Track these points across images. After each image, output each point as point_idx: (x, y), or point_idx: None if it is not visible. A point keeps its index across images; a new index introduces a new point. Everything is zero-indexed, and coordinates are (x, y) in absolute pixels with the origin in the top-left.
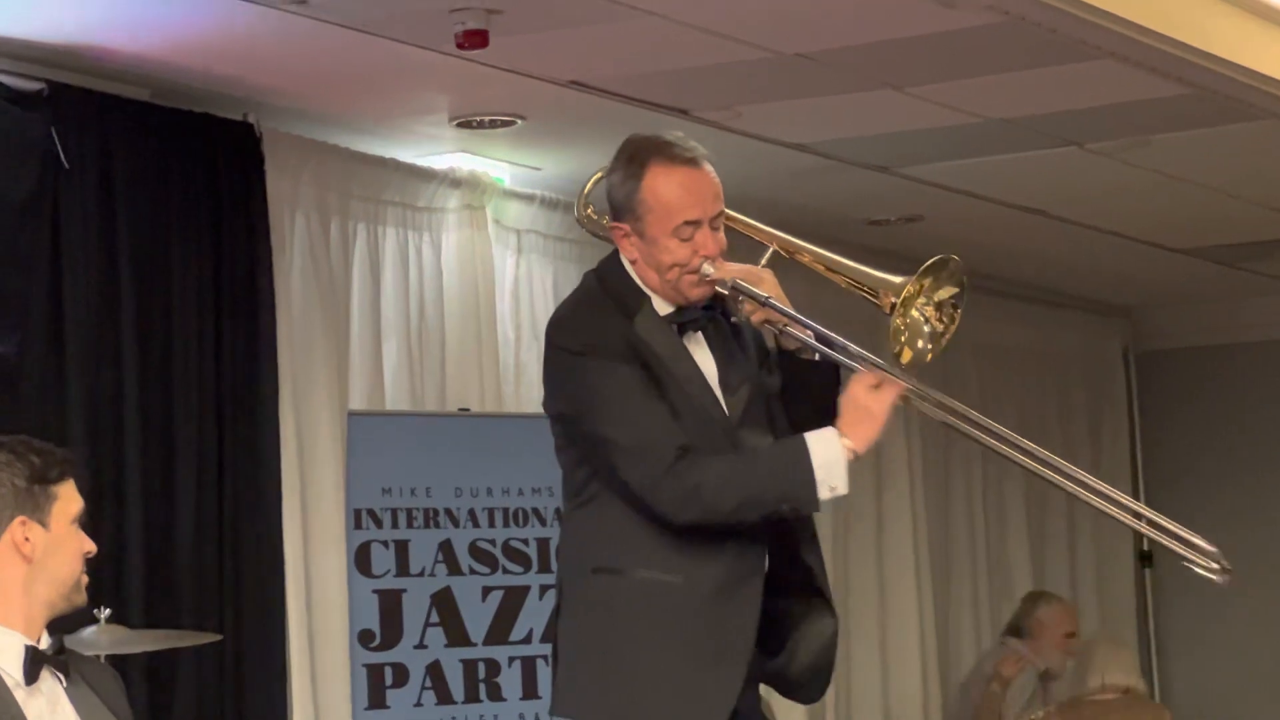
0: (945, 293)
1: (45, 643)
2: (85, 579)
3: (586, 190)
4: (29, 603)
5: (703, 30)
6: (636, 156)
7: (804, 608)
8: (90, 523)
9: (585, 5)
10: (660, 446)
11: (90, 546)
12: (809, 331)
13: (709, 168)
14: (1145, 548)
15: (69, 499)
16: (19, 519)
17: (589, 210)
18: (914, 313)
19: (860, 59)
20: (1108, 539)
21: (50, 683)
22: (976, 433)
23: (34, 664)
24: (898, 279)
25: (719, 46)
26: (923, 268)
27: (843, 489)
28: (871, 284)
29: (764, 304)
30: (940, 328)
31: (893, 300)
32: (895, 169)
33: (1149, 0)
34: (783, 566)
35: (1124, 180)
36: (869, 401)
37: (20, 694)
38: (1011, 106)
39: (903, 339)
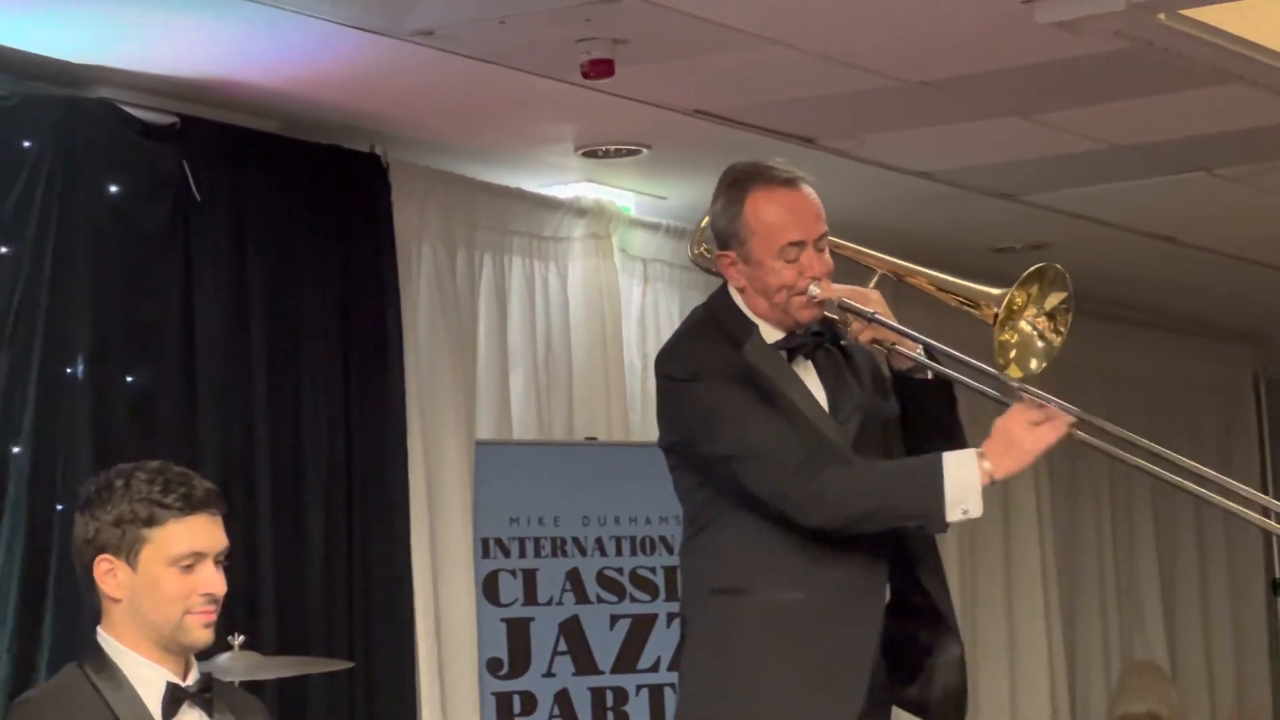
0: (1054, 300)
1: (193, 677)
2: (196, 618)
3: (700, 229)
4: (153, 637)
5: (828, 59)
6: (737, 183)
7: (931, 632)
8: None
9: (710, 34)
10: (782, 451)
11: (206, 588)
12: (918, 347)
13: (809, 189)
14: (1278, 575)
15: (169, 541)
16: (101, 557)
17: (702, 249)
18: (1024, 325)
19: (986, 86)
20: (1240, 564)
21: (195, 715)
22: (1139, 460)
23: (173, 701)
24: (1000, 290)
25: (844, 75)
26: (1023, 276)
27: (975, 512)
28: (975, 298)
29: (871, 320)
30: (1054, 340)
31: (995, 312)
32: (1021, 196)
33: (1278, 24)
34: (906, 590)
35: (1254, 205)
36: (1023, 435)
37: None
38: (1139, 132)
39: (1011, 354)
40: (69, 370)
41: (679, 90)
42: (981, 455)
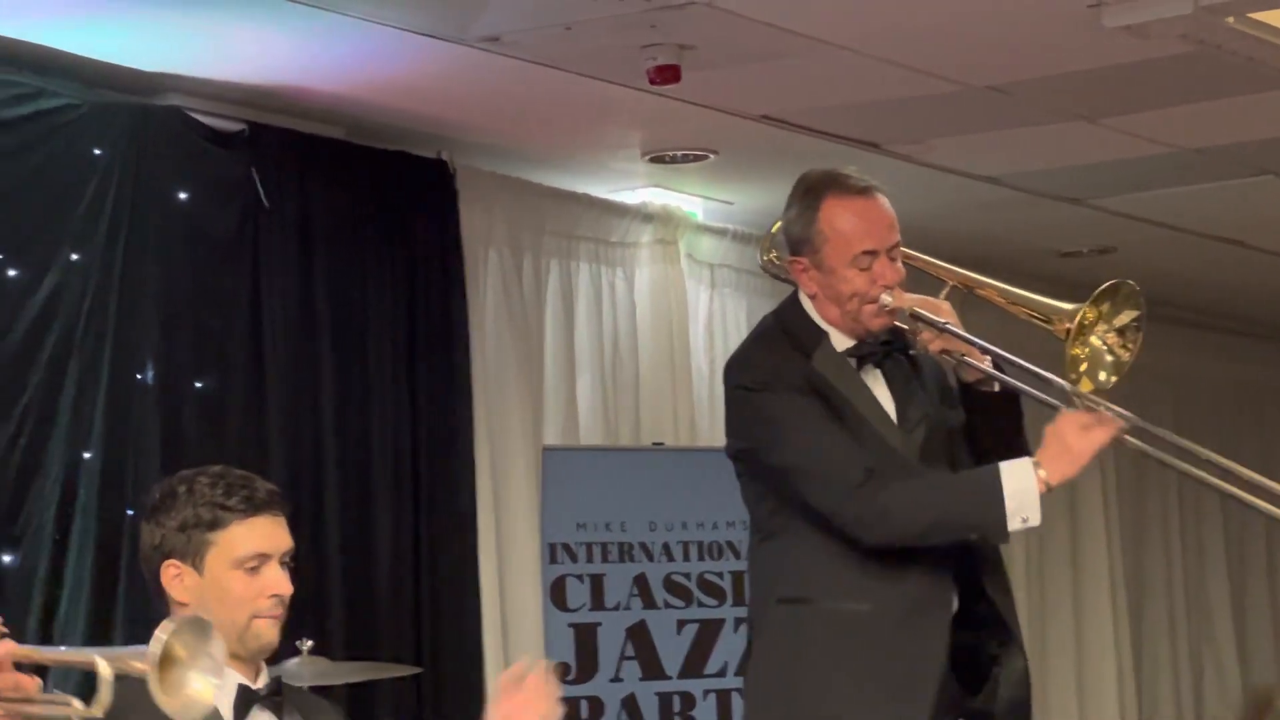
0: (1125, 317)
1: (263, 680)
2: (264, 621)
3: (770, 235)
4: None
5: (894, 64)
6: (812, 190)
7: (997, 643)
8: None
9: (776, 39)
10: (845, 468)
11: (272, 589)
12: (987, 359)
13: (884, 198)
14: None
15: (233, 543)
16: (167, 562)
17: (772, 255)
18: (1094, 340)
19: (1052, 90)
20: None
21: (266, 718)
22: (1182, 466)
23: (244, 703)
24: (1073, 306)
25: (910, 80)
26: (1096, 293)
27: (1035, 520)
28: (1047, 313)
29: (942, 330)
30: (1124, 355)
31: (1068, 327)
32: (1088, 200)
33: None
34: (972, 601)
35: None
36: (1075, 440)
37: None
38: (1206, 136)
39: (1081, 368)
40: (138, 376)
41: (745, 95)
42: (1037, 464)
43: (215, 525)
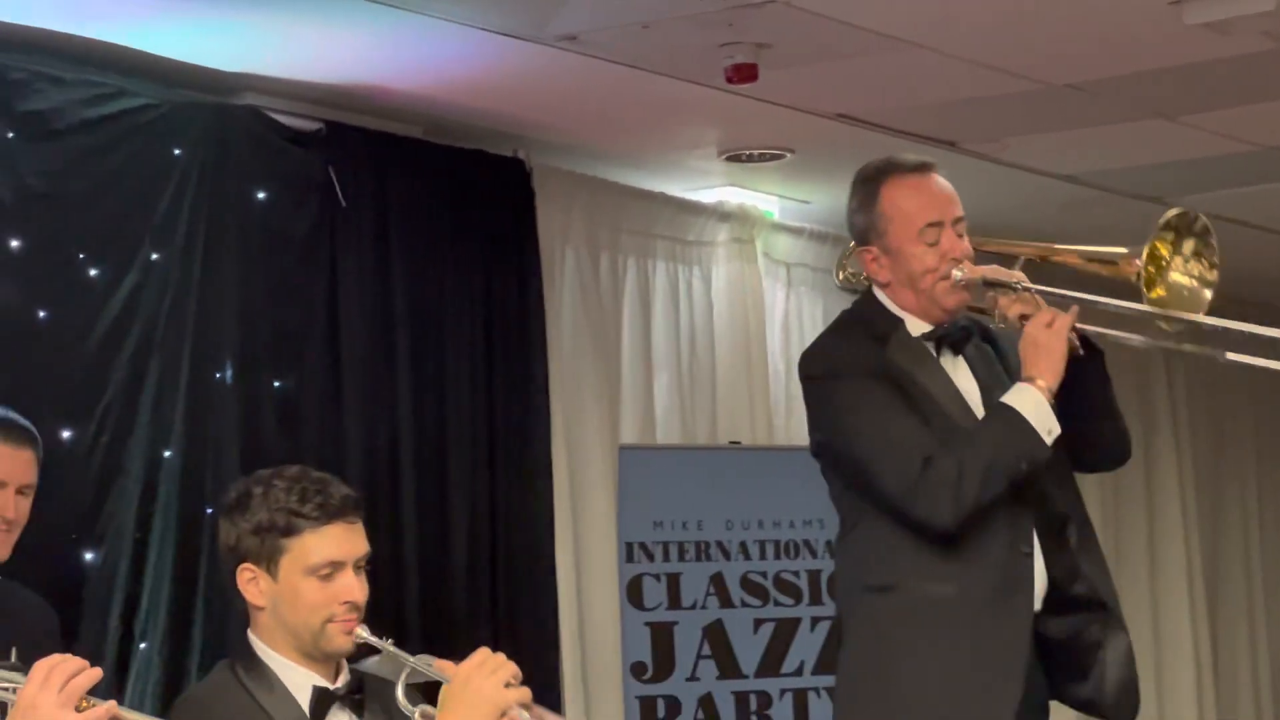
0: (1189, 244)
1: (343, 679)
2: (338, 626)
3: (846, 254)
4: (295, 643)
5: (971, 62)
6: (870, 178)
7: (1098, 626)
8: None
9: (853, 38)
10: (912, 456)
11: (346, 596)
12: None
13: (940, 175)
14: None
15: (306, 551)
16: (243, 566)
17: (849, 272)
18: (1174, 277)
19: (1131, 88)
20: None
21: (345, 718)
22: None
23: (320, 703)
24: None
25: (988, 78)
26: (1159, 225)
27: (1056, 429)
28: (1115, 258)
29: (1018, 291)
30: (1210, 274)
31: (1136, 268)
32: (1167, 199)
33: None
34: (1068, 582)
35: None
36: (1044, 337)
37: None
38: None
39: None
40: (217, 375)
41: (822, 94)
42: (1030, 379)
43: (289, 532)
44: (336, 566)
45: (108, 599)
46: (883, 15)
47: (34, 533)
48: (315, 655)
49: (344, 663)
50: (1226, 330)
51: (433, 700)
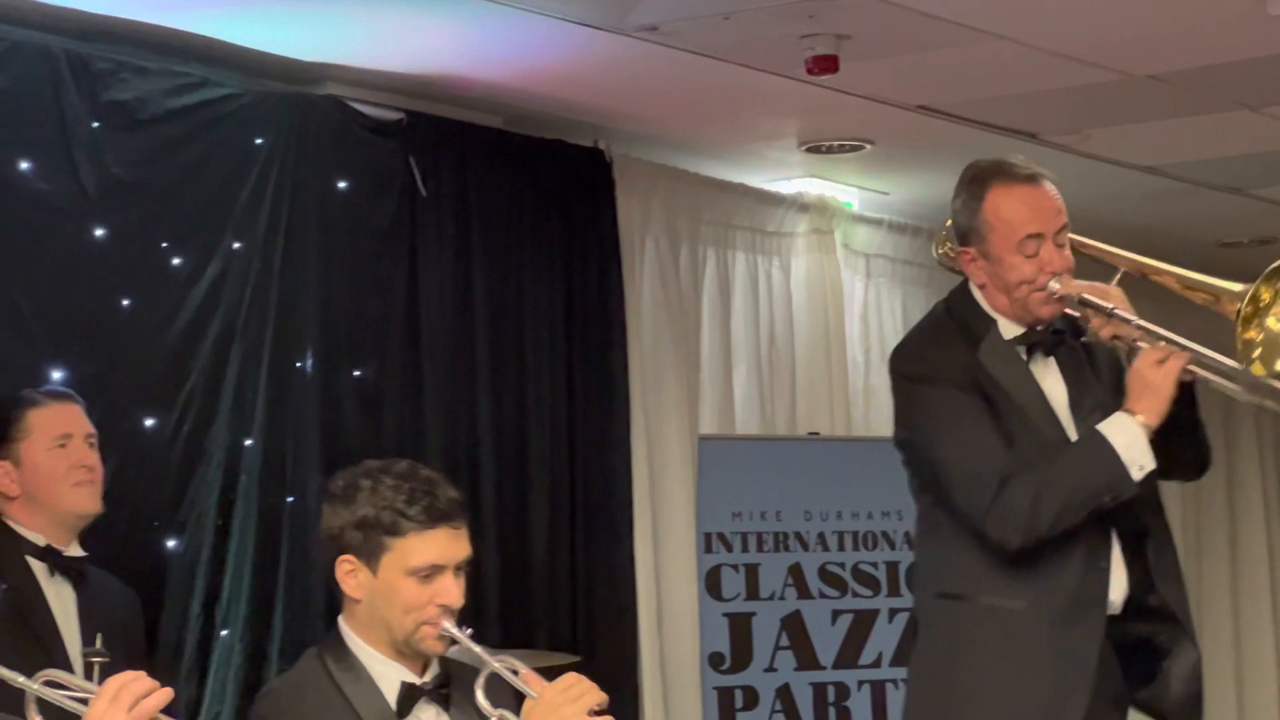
0: None
1: (431, 673)
2: (431, 629)
3: (946, 228)
4: (387, 639)
5: (1052, 53)
6: (977, 179)
7: (1168, 636)
8: None
9: (934, 30)
10: (987, 475)
11: (443, 599)
12: (1159, 344)
13: (1050, 185)
14: None
15: (408, 552)
16: (343, 557)
17: (947, 247)
18: (1271, 322)
19: (1214, 79)
20: None
21: (432, 712)
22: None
23: (407, 698)
24: (1243, 287)
25: (1069, 69)
26: (1268, 271)
27: (1149, 464)
28: (1220, 294)
29: (1111, 315)
30: None
31: (1237, 307)
32: (1249, 190)
33: None
34: (1144, 593)
35: None
36: (1153, 375)
37: None
38: None
39: (1256, 353)
40: (298, 364)
41: (902, 86)
42: (1131, 412)
43: (393, 531)
44: (437, 569)
45: (189, 586)
46: (963, 6)
47: (117, 519)
48: (406, 652)
49: (433, 663)
50: None
51: (519, 699)
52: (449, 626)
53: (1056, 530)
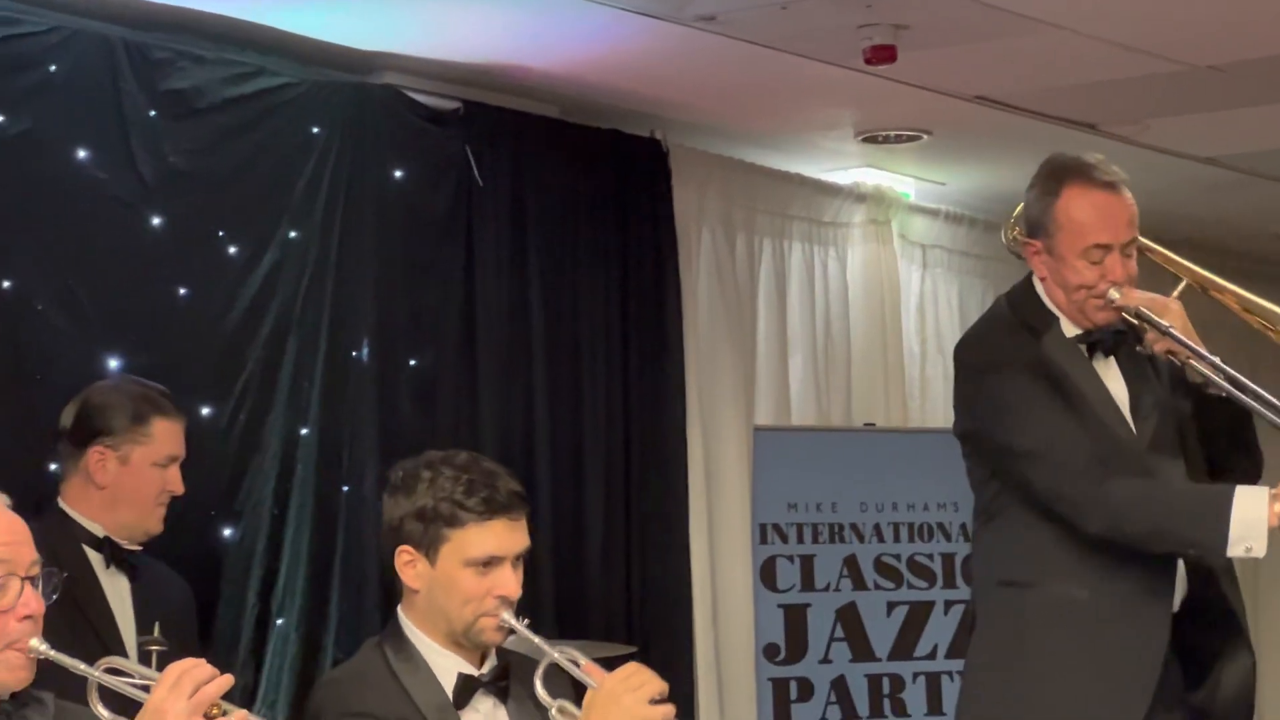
0: None
1: (488, 665)
2: (489, 620)
3: (1016, 215)
4: (445, 630)
5: (1112, 43)
6: (1055, 174)
7: (1223, 641)
8: None
9: (993, 19)
10: (1070, 451)
11: (501, 590)
12: (1208, 367)
13: (1127, 194)
14: None
15: (467, 544)
16: (402, 548)
17: (1016, 232)
18: None
19: (1274, 70)
20: None
21: (489, 704)
22: None
23: (464, 690)
24: None
25: (1128, 60)
26: None
27: (1259, 551)
28: (1275, 322)
29: (1164, 333)
30: None
31: None
32: None
33: None
34: (1203, 592)
35: None
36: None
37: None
38: None
39: None
40: (354, 354)
41: (960, 76)
42: (1276, 495)
43: (453, 523)
44: (495, 561)
45: (245, 575)
46: None
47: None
48: (464, 644)
49: (491, 654)
50: None
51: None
52: (507, 617)
53: (1135, 545)
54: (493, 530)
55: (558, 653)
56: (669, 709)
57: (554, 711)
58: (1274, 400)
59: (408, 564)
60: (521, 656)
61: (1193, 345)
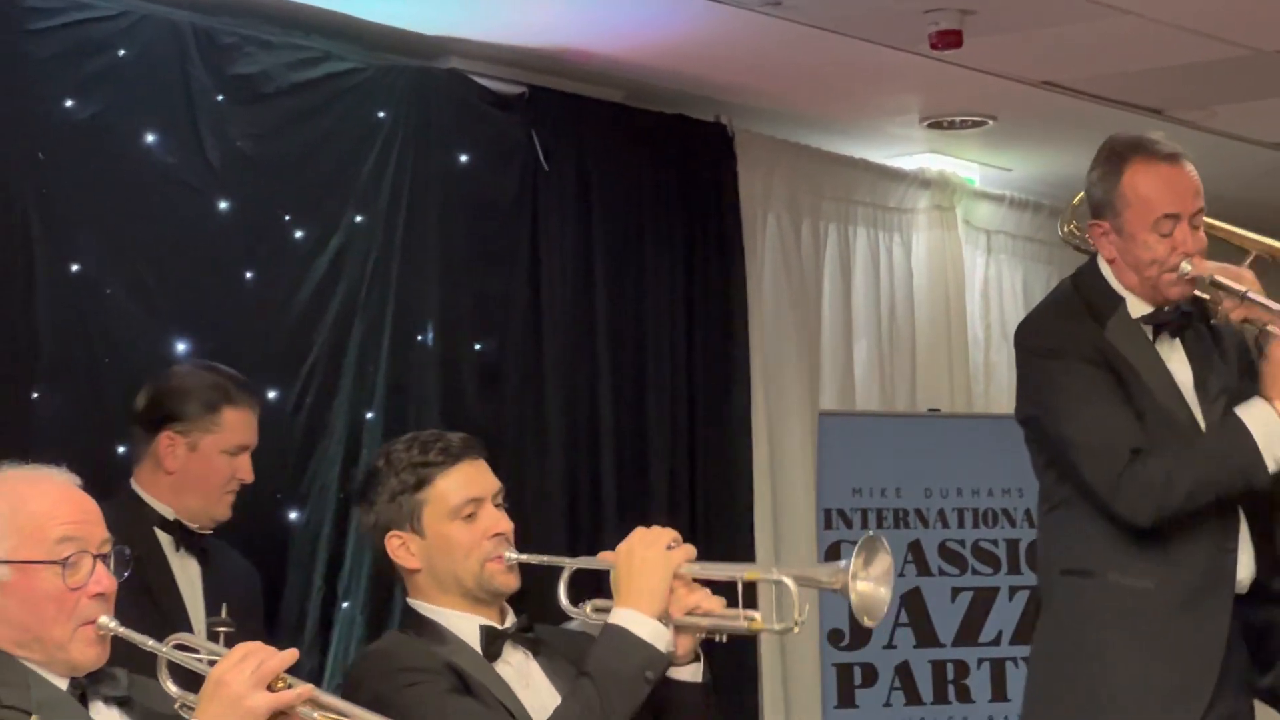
0: None
1: (509, 620)
2: (495, 565)
3: (1073, 207)
4: (459, 591)
5: (1179, 28)
6: (1117, 153)
7: None
8: (567, 517)
9: (1059, 4)
10: (1118, 448)
11: (493, 529)
12: None
13: (1189, 166)
14: None
15: (443, 495)
16: (390, 535)
17: (1073, 225)
18: None
19: None
20: None
21: (519, 656)
22: None
23: (491, 642)
24: None
25: (1196, 44)
26: None
27: None
28: None
29: (1243, 299)
30: None
31: None
32: None
33: None
34: (1268, 576)
35: None
36: None
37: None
38: None
39: None
40: (419, 338)
41: (1026, 61)
42: (1269, 399)
43: (422, 484)
44: (477, 503)
45: (311, 557)
46: None
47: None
48: (482, 598)
49: (508, 607)
50: None
51: None
52: (510, 553)
53: (1186, 510)
54: (461, 473)
55: (569, 560)
56: (689, 549)
57: (588, 610)
58: None
59: (400, 547)
60: (551, 627)
61: (1272, 304)
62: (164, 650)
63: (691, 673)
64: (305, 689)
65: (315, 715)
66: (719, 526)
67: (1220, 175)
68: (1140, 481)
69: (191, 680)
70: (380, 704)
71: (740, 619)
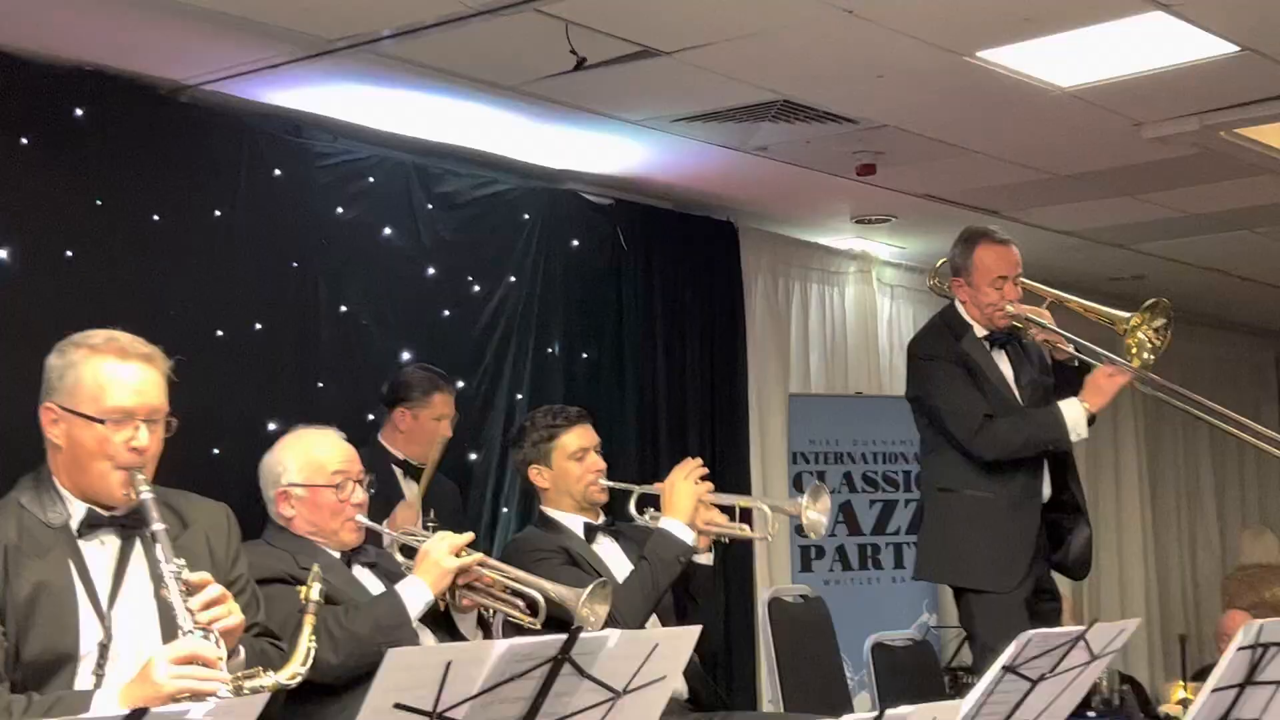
0: (1159, 321)
1: (601, 519)
2: (595, 488)
3: (935, 268)
4: (569, 503)
5: (1008, 161)
6: (971, 236)
7: (1072, 520)
8: (637, 461)
9: (934, 148)
10: (974, 414)
11: (596, 468)
12: (1071, 345)
13: (1014, 246)
14: None
15: (565, 444)
16: (532, 466)
17: (935, 280)
18: (1139, 334)
19: (1109, 176)
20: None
21: (607, 542)
22: (1182, 405)
23: (590, 533)
24: (1126, 314)
25: (1016, 171)
26: (1143, 306)
27: (1083, 433)
28: (1111, 318)
29: (1043, 328)
30: (1159, 343)
31: (1124, 327)
32: (1130, 245)
33: None
34: (1060, 491)
35: (1276, 250)
36: (1104, 382)
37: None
38: (1205, 204)
39: (1133, 351)
40: (549, 350)
41: (915, 183)
42: (1082, 400)
43: (552, 437)
44: (584, 450)
45: (485, 482)
46: (953, 134)
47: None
48: (585, 507)
49: (601, 511)
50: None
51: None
52: (603, 481)
53: (1018, 455)
54: (576, 432)
55: (636, 487)
56: (709, 484)
57: (647, 518)
58: (1114, 357)
59: (537, 475)
60: (625, 524)
61: (1062, 331)
62: (395, 535)
63: (707, 559)
64: (479, 556)
65: (485, 571)
66: (729, 466)
67: (1033, 251)
68: (989, 433)
69: (412, 554)
70: (522, 569)
71: (738, 529)
